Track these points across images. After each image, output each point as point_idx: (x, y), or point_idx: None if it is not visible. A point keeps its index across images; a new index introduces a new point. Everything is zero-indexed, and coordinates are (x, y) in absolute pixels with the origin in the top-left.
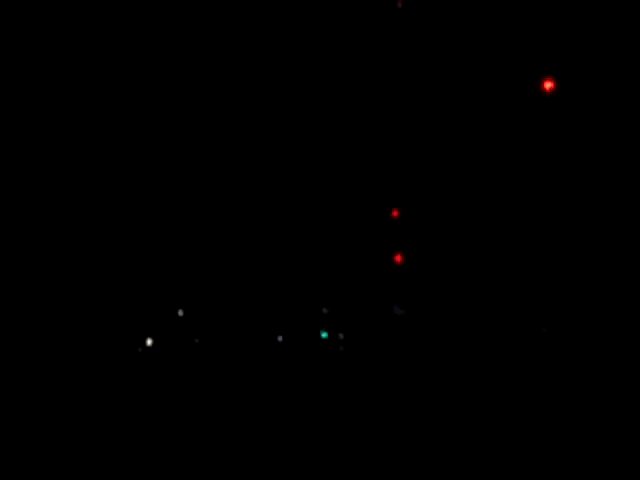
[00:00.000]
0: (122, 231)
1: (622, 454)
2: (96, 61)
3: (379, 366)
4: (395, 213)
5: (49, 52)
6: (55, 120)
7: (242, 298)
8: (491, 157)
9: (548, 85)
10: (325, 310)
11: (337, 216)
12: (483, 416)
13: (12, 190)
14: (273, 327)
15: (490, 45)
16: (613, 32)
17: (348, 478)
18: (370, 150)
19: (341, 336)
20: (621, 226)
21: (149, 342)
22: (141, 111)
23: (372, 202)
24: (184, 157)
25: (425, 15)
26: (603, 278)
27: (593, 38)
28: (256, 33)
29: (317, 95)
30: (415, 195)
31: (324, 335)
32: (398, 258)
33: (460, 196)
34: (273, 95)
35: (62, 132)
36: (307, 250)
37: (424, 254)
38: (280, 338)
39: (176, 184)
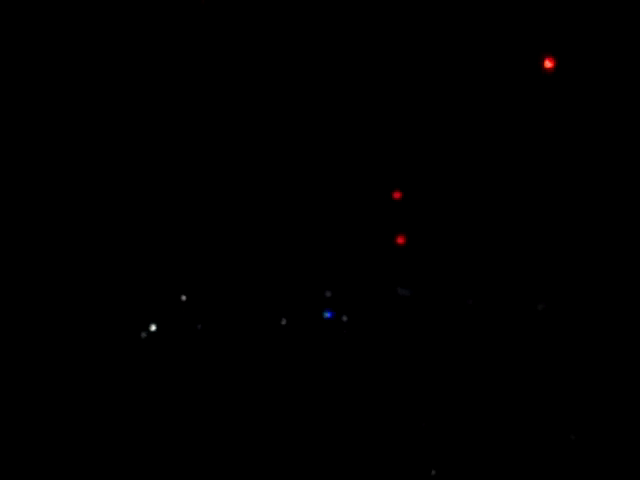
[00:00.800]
0: (126, 216)
1: (623, 453)
2: (96, 61)
3: (385, 348)
4: (397, 195)
5: (49, 52)
6: (55, 119)
7: (245, 282)
8: (493, 137)
9: (548, 65)
10: (328, 293)
11: (338, 198)
12: (492, 402)
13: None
14: (276, 310)
15: (488, 24)
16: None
17: (355, 469)
18: (371, 130)
19: (345, 318)
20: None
21: (153, 327)
22: (141, 109)
23: (373, 183)
24: (185, 140)
25: None
26: (610, 257)
27: (594, 19)
28: (256, 33)
29: (320, 74)
30: (417, 176)
31: (328, 317)
32: (400, 240)
33: (462, 176)
34: (277, 75)
35: (62, 129)
36: (308, 232)
37: (426, 236)
38: (284, 321)
39: (176, 165)
